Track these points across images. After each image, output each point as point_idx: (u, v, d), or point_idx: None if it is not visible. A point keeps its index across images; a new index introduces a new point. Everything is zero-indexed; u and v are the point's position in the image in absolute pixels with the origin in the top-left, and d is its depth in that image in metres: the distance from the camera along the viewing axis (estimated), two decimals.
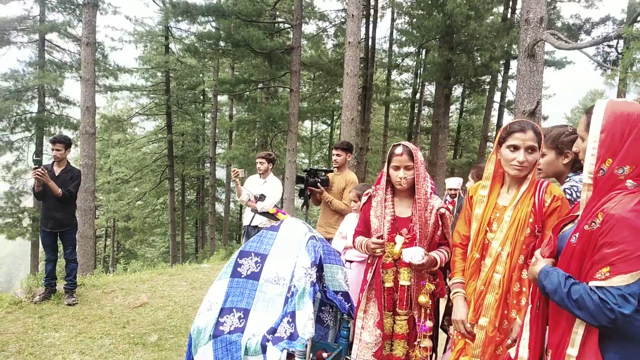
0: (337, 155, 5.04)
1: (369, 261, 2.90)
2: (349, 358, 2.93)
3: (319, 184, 4.89)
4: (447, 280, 2.71)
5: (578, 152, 1.81)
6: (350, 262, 3.67)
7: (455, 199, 6.04)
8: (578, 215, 1.75)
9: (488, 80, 19.06)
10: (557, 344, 1.71)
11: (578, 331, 1.63)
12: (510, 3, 17.26)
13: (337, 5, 26.57)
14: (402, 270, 2.72)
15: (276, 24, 17.35)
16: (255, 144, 22.37)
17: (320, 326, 3.32)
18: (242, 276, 3.07)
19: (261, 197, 5.47)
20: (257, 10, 14.81)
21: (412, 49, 20.34)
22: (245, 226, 5.73)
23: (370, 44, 18.81)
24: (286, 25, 16.83)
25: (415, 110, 22.37)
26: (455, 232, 2.56)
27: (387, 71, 21.71)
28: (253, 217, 5.57)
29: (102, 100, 29.43)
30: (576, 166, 2.44)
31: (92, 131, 11.69)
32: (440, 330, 2.92)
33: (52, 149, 5.23)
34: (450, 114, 21.82)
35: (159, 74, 22.88)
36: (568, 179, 2.46)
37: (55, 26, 16.59)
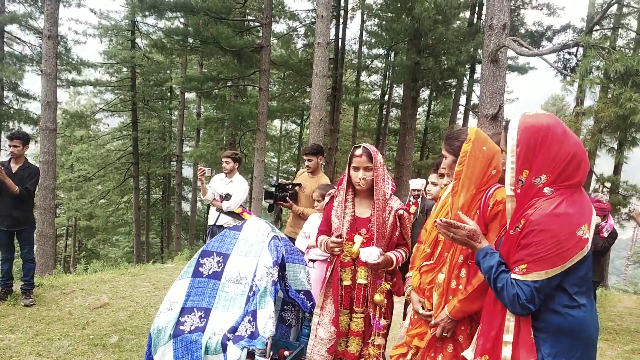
0: (308, 160, 5.13)
1: (329, 260, 2.96)
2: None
3: (287, 198, 4.93)
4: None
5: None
6: (314, 261, 3.71)
7: (419, 200, 6.15)
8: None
9: (454, 83, 19.49)
10: (496, 334, 1.84)
11: (511, 319, 1.80)
12: (477, 9, 17.71)
13: (308, 5, 26.63)
14: (360, 269, 2.79)
15: (246, 22, 17.26)
16: (224, 142, 22.14)
17: (282, 325, 3.36)
18: (204, 276, 3.07)
19: (227, 197, 5.44)
20: (227, 7, 14.69)
21: (381, 51, 20.58)
22: (210, 225, 5.70)
23: (340, 44, 18.92)
24: (256, 24, 16.75)
25: (384, 112, 22.64)
26: (423, 229, 2.64)
27: (356, 72, 21.88)
28: (218, 217, 5.54)
29: (65, 95, 28.60)
30: None
31: (53, 127, 11.34)
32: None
33: (10, 145, 5.08)
34: (417, 116, 22.18)
35: (125, 69, 22.36)
36: None
37: (15, 17, 15.98)
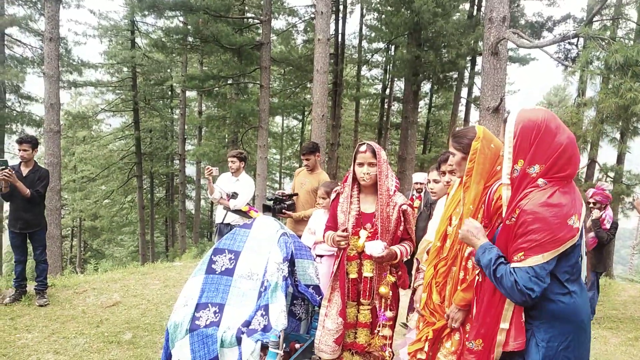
0: (306, 159, 5.26)
1: (336, 254, 3.06)
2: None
3: (284, 210, 5.02)
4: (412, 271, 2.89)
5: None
6: (321, 256, 3.80)
7: (422, 194, 6.23)
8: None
9: (455, 76, 19.48)
10: (491, 321, 1.96)
11: (509, 308, 1.92)
12: (476, 1, 17.69)
13: (307, 1, 26.54)
14: (366, 262, 2.90)
15: (245, 20, 17.27)
16: (226, 140, 22.22)
17: (292, 319, 3.46)
18: (217, 272, 3.17)
19: (234, 195, 5.55)
20: (226, 5, 14.73)
21: (381, 45, 20.60)
22: (218, 224, 5.81)
23: (340, 40, 18.95)
24: (255, 21, 16.80)
25: (385, 106, 22.68)
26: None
27: (357, 67, 21.90)
28: (225, 215, 5.65)
29: (66, 97, 28.61)
30: None
31: (57, 129, 11.44)
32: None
33: (19, 150, 5.16)
34: (419, 110, 22.22)
35: (125, 69, 22.40)
36: None
37: (15, 20, 16.05)
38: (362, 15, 20.30)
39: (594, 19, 11.96)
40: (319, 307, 3.30)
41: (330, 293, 2.99)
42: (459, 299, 2.28)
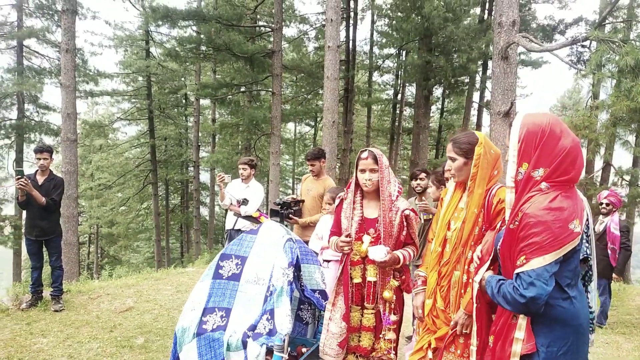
0: (311, 165, 5.32)
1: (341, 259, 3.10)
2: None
3: (291, 215, 5.08)
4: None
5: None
6: (328, 261, 3.85)
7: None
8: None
9: (466, 80, 19.42)
10: (500, 330, 1.95)
11: (524, 317, 1.92)
12: (487, 5, 17.65)
13: (318, 9, 26.74)
14: (369, 267, 2.94)
15: (257, 28, 17.47)
16: (239, 147, 22.41)
17: (299, 323, 3.51)
18: (224, 277, 3.23)
19: (244, 202, 5.63)
20: (238, 14, 14.94)
21: (392, 51, 20.64)
22: (228, 230, 5.89)
23: (351, 46, 19.03)
24: (267, 29, 16.97)
25: (397, 111, 22.67)
26: (430, 229, 2.81)
27: (368, 73, 21.95)
28: (236, 221, 5.74)
29: (83, 106, 29.23)
30: None
31: (73, 138, 11.69)
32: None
33: (38, 159, 5.29)
34: (431, 114, 22.16)
35: (140, 78, 22.81)
36: None
37: (33, 32, 16.50)
38: (372, 22, 20.40)
39: (606, 22, 11.86)
40: (325, 311, 3.35)
41: (335, 297, 3.03)
42: (466, 303, 2.30)
